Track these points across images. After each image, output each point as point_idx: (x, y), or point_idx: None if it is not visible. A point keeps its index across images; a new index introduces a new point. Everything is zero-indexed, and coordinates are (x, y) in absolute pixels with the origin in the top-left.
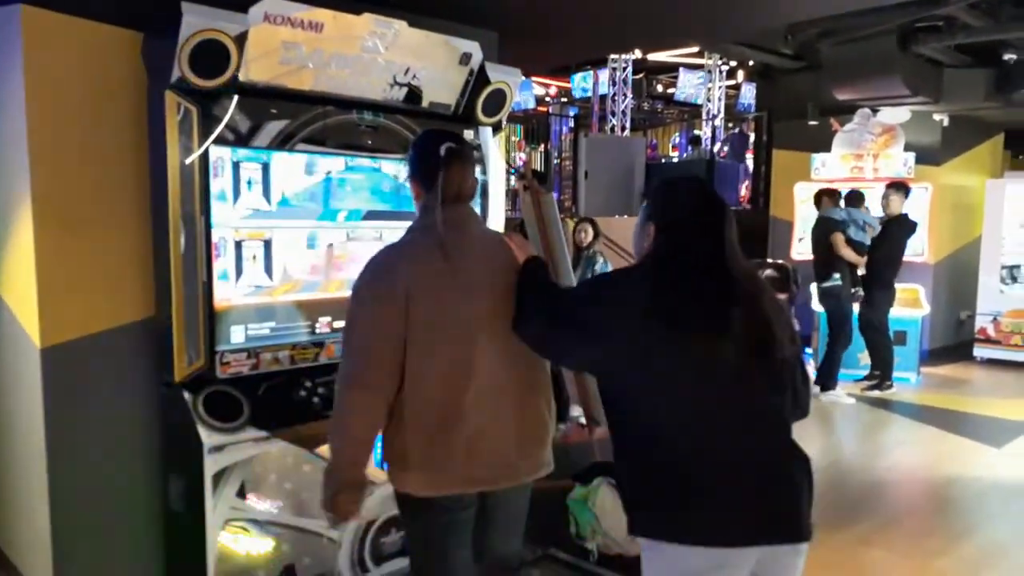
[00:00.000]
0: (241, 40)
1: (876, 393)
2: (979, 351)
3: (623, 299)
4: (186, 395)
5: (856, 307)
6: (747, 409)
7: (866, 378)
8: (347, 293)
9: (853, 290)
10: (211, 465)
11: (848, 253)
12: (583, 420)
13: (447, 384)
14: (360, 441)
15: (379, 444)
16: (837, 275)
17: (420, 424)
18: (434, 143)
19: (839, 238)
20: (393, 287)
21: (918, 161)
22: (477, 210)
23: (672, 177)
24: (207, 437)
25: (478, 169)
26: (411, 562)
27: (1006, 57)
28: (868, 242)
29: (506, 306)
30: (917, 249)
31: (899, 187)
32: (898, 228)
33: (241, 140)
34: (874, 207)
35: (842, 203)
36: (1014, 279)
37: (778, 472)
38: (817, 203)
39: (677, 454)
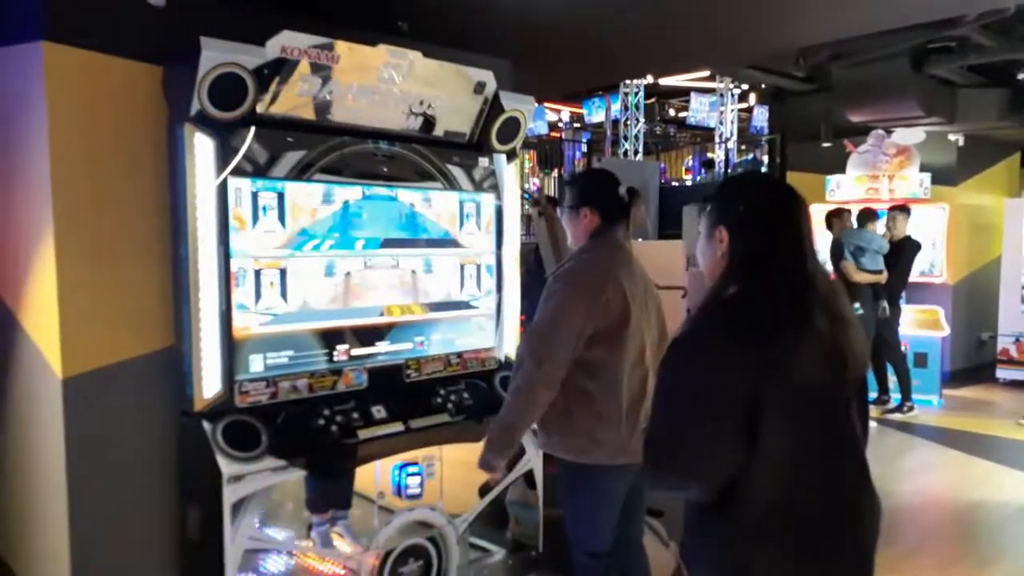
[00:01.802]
0: (259, 73)
1: (899, 416)
2: (1002, 372)
3: (713, 353)
4: (205, 425)
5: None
6: (839, 444)
7: (876, 401)
8: (365, 320)
9: (881, 306)
10: (230, 495)
11: (863, 277)
12: None
13: (632, 373)
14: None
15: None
16: (856, 304)
17: (613, 407)
18: (614, 183)
19: (848, 267)
20: (601, 290)
21: (934, 181)
22: (494, 234)
23: (737, 173)
24: (226, 467)
25: (493, 195)
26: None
27: (1020, 76)
28: (872, 267)
29: (651, 311)
30: (935, 270)
31: (904, 209)
32: (908, 249)
33: (259, 171)
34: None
35: (855, 222)
36: None
37: (855, 521)
38: (828, 225)
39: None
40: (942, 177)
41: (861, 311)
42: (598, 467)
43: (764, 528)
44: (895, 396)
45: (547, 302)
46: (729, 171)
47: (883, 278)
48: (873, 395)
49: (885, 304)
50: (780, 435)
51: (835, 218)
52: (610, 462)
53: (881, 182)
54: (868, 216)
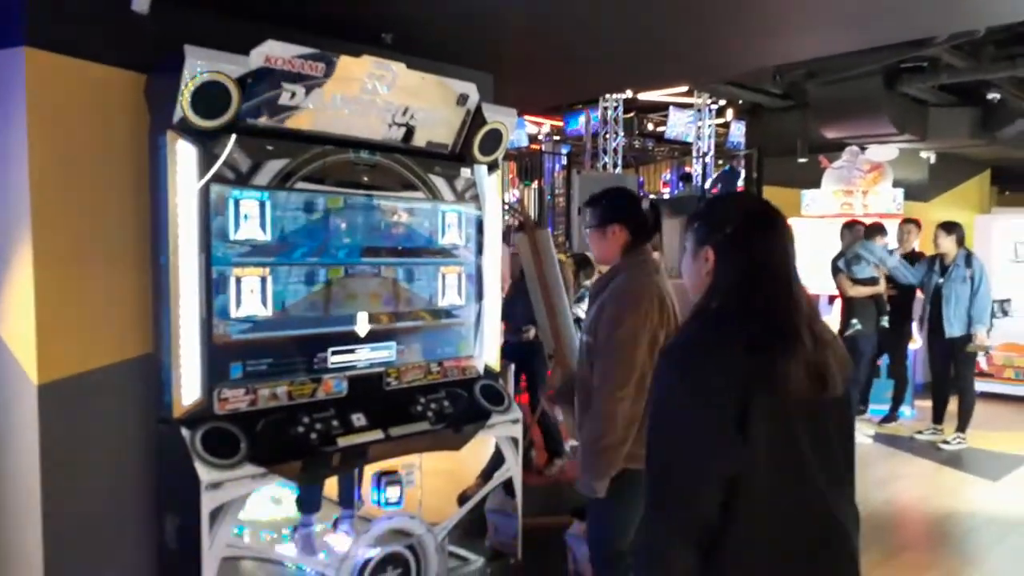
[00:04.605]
0: (242, 82)
1: (893, 425)
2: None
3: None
4: (183, 431)
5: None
6: (822, 461)
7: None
8: (345, 328)
9: (882, 319)
10: (208, 502)
11: (857, 291)
12: None
13: None
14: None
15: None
16: (855, 320)
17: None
18: (637, 199)
19: (843, 283)
20: (661, 302)
21: (907, 197)
22: (475, 244)
23: (724, 193)
24: (205, 474)
25: (474, 205)
26: (599, 525)
27: (989, 96)
28: (864, 275)
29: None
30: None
31: (916, 223)
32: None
33: (241, 179)
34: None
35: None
36: (1005, 313)
37: (841, 540)
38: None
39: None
40: (914, 193)
41: (860, 327)
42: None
43: (751, 554)
44: (872, 408)
45: (612, 324)
46: (707, 184)
47: (878, 290)
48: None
49: (885, 322)
50: (766, 446)
51: (846, 230)
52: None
53: (855, 197)
54: (876, 230)
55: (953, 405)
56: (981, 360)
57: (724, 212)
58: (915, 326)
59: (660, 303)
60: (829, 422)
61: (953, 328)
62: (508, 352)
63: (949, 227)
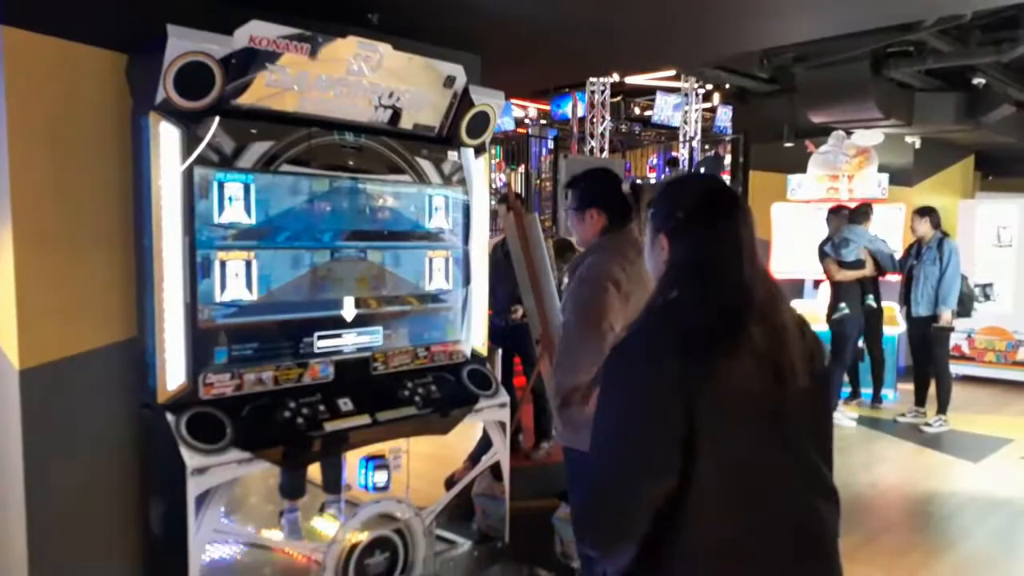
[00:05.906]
0: (226, 62)
1: (877, 408)
2: (954, 368)
3: (646, 357)
4: (169, 417)
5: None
6: (783, 457)
7: (850, 397)
8: (330, 313)
9: (867, 304)
10: (194, 487)
11: (845, 275)
12: None
13: None
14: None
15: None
16: (843, 304)
17: None
18: (617, 181)
19: (830, 267)
20: (618, 284)
21: (892, 182)
22: (462, 228)
23: (678, 176)
24: (190, 459)
25: (461, 189)
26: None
27: (975, 81)
28: (852, 258)
29: None
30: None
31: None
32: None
33: (226, 161)
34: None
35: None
36: (987, 297)
37: (813, 543)
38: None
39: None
40: (899, 178)
41: (848, 311)
42: None
43: (708, 566)
44: (865, 392)
45: (570, 307)
46: (692, 169)
47: (866, 273)
48: (848, 391)
49: (872, 301)
50: (717, 447)
51: (832, 215)
52: None
53: (841, 182)
54: (862, 213)
55: (935, 388)
56: (963, 343)
57: (677, 197)
58: (897, 309)
59: (620, 292)
60: (795, 416)
61: (920, 308)
62: (500, 335)
63: (923, 211)
